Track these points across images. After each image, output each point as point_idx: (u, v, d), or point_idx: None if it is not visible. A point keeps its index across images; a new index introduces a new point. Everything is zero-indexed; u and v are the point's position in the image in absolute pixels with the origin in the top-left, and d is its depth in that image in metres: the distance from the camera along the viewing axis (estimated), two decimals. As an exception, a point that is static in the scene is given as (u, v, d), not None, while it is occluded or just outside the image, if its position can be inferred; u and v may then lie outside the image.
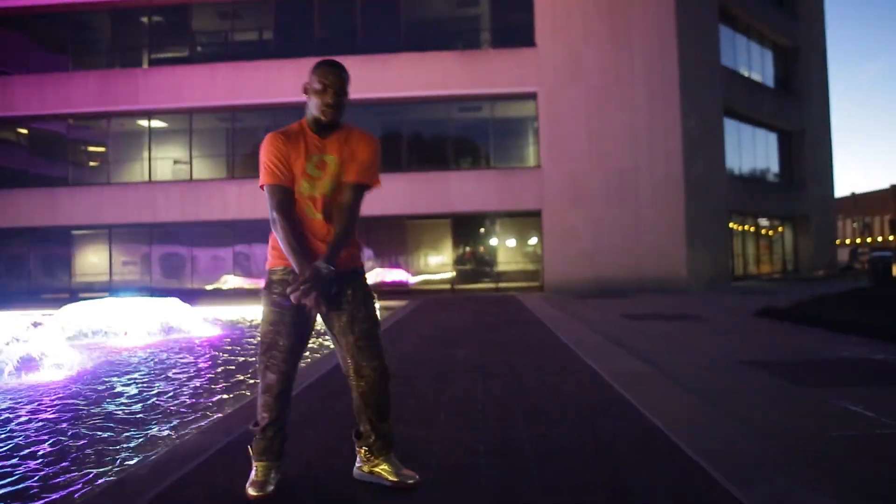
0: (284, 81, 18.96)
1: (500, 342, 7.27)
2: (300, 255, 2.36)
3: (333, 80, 2.47)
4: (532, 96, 18.90)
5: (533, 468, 2.76)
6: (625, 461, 2.82)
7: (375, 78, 18.79)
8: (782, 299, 11.72)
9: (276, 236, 2.44)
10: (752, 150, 23.67)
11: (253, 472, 2.54)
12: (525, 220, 19.41)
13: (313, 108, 2.51)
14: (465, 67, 18.86)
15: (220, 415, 4.18)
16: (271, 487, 2.49)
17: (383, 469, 2.57)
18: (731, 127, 21.87)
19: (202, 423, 3.86)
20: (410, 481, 2.54)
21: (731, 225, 21.68)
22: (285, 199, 2.44)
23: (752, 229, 24.21)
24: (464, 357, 6.14)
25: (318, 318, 2.56)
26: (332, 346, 2.88)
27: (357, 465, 2.64)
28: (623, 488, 2.50)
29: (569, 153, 18.49)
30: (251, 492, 2.46)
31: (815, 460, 3.03)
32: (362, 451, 2.59)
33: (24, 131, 20.73)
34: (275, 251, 2.55)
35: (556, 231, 18.53)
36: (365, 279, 2.62)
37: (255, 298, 17.82)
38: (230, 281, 19.59)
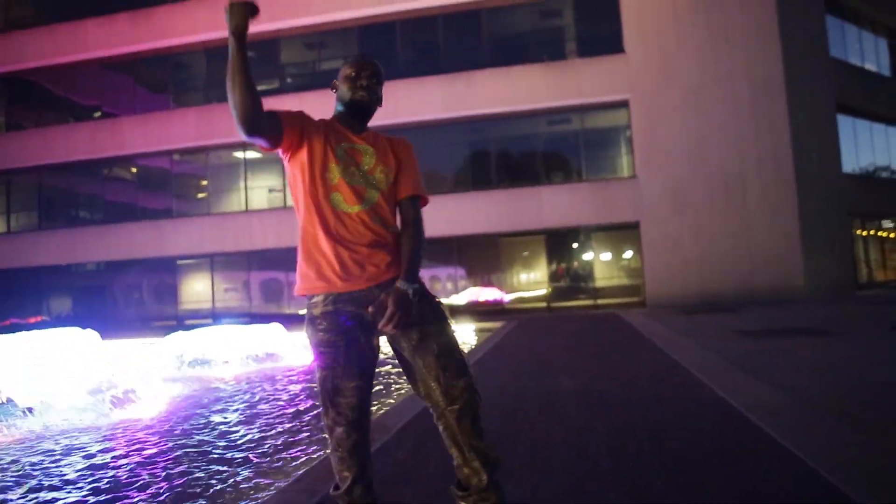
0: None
1: (610, 370, 6.66)
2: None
3: (367, 65, 2.26)
4: (623, 104, 18.16)
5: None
6: None
7: (461, 96, 18.64)
8: None
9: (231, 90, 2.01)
10: (870, 147, 21.75)
11: None
12: (622, 232, 18.57)
13: (344, 97, 2.24)
14: (552, 79, 18.37)
15: (300, 471, 3.80)
16: None
17: None
18: (845, 123, 20.18)
19: (284, 482, 3.51)
20: None
21: (852, 229, 19.94)
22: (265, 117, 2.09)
23: (877, 233, 22.18)
24: (572, 388, 5.58)
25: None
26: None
27: None
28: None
29: (666, 159, 17.58)
30: None
31: None
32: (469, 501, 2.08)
33: (134, 169, 21.96)
34: (305, 276, 2.16)
35: (656, 242, 17.59)
36: (426, 288, 2.19)
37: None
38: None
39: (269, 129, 2.10)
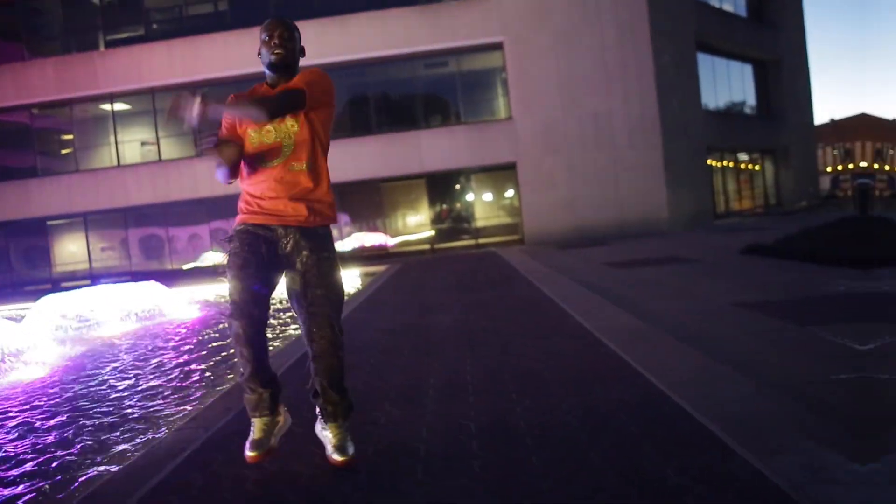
0: (243, 51, 18.32)
1: (485, 303, 7.06)
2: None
3: (276, 25, 2.54)
4: (498, 46, 18.51)
5: (529, 447, 2.50)
6: (628, 433, 2.55)
7: (335, 40, 18.36)
8: (768, 235, 11.50)
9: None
10: (727, 84, 23.31)
11: (251, 431, 2.45)
12: (500, 173, 19.21)
13: (265, 59, 2.57)
14: (427, 23, 18.42)
15: (199, 407, 3.96)
16: (273, 443, 2.44)
17: (328, 435, 2.51)
18: (704, 61, 21.47)
19: (181, 420, 3.68)
20: (339, 457, 2.44)
21: (709, 162, 21.45)
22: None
23: (732, 165, 23.98)
24: (450, 323, 5.86)
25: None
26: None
27: (318, 421, 2.58)
28: (631, 465, 2.23)
29: (540, 101, 18.19)
30: (249, 453, 2.41)
31: (823, 409, 2.83)
32: (317, 409, 2.56)
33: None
34: (240, 212, 2.56)
35: (532, 182, 18.33)
36: (327, 241, 2.54)
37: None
38: (209, 258, 19.47)
39: (235, 158, 2.52)
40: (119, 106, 19.83)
